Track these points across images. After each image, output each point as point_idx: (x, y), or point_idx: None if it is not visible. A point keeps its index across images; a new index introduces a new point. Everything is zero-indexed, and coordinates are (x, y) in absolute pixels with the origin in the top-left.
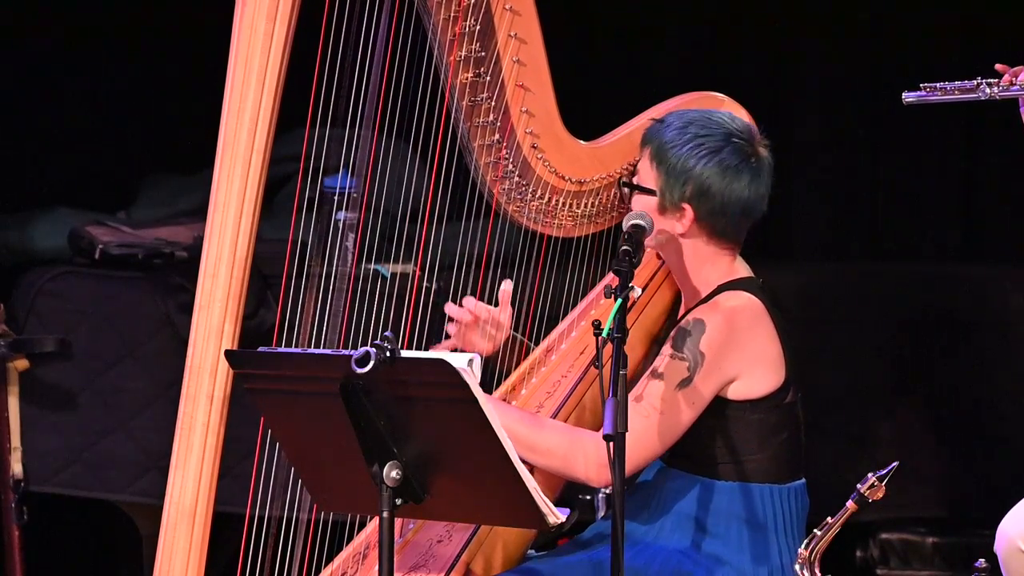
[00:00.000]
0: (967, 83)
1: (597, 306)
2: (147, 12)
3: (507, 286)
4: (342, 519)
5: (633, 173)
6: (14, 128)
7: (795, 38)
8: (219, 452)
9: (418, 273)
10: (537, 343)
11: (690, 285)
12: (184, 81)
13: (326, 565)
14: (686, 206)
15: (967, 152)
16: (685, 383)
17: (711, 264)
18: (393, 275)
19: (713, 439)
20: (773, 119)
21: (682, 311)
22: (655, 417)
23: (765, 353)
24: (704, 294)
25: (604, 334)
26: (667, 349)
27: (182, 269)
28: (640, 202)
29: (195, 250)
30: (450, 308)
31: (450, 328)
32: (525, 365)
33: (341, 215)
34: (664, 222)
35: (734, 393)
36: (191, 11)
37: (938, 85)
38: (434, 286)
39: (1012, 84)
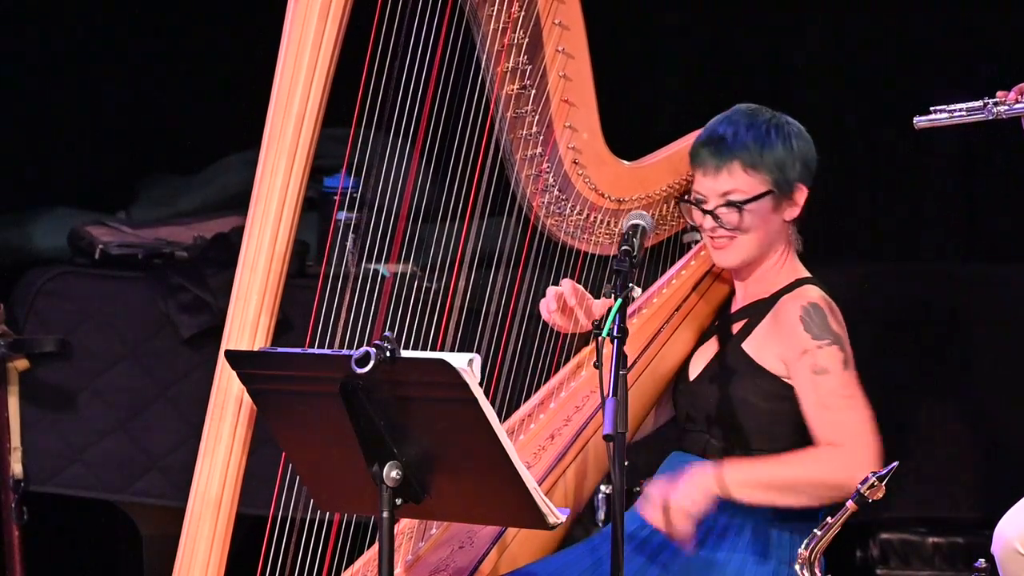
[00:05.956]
0: (975, 103)
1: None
2: (147, 11)
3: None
4: (364, 520)
5: (686, 193)
6: (14, 128)
7: (795, 38)
8: (247, 445)
9: (456, 275)
10: (568, 358)
11: (770, 279)
12: (185, 81)
13: (346, 568)
14: (799, 186)
15: (967, 152)
16: (848, 362)
17: (791, 253)
18: (405, 275)
19: (755, 422)
20: None
21: (740, 304)
22: (855, 403)
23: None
24: (777, 286)
25: (604, 334)
26: (807, 343)
27: (182, 269)
28: (758, 211)
29: (195, 250)
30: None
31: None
32: (554, 380)
33: (342, 215)
34: (776, 219)
35: None
36: (191, 11)
37: (947, 108)
38: (433, 285)
39: (1018, 101)
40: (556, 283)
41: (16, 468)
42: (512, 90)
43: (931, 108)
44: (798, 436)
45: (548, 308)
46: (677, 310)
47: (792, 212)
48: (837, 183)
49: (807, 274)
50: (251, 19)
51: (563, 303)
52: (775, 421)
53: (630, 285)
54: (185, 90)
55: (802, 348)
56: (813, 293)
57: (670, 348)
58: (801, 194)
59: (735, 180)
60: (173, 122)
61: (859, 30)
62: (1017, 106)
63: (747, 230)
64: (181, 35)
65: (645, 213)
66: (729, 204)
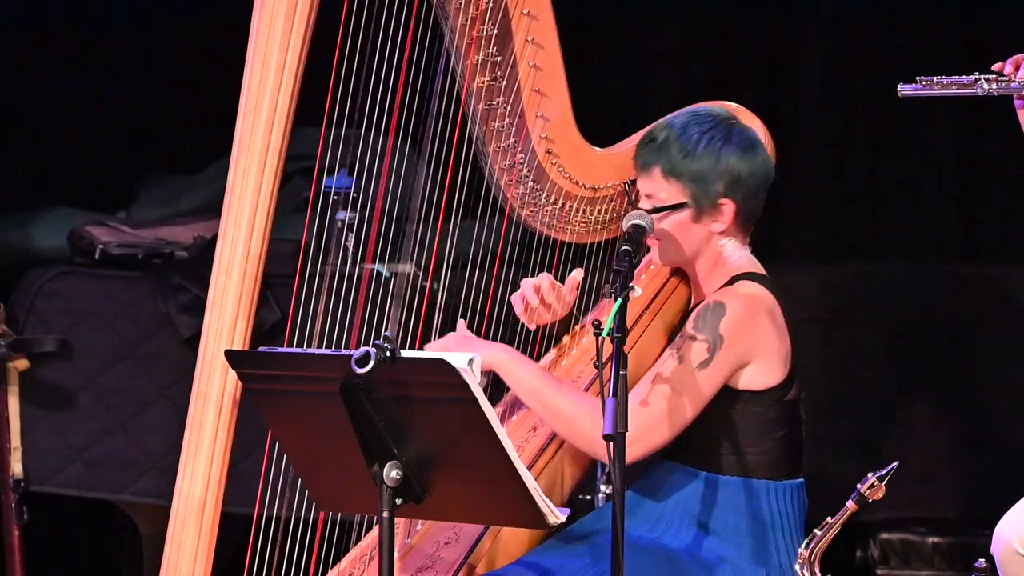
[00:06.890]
0: (965, 78)
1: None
2: (147, 11)
3: (577, 274)
4: (349, 519)
5: (635, 199)
6: (14, 128)
7: (794, 38)
8: (229, 449)
9: (431, 276)
10: (547, 348)
11: (710, 280)
12: (184, 81)
13: (333, 566)
14: (724, 201)
15: (967, 152)
16: (705, 364)
17: (733, 257)
18: (394, 275)
19: (713, 429)
20: (773, 119)
21: (692, 306)
22: (675, 398)
23: (775, 345)
24: (716, 287)
25: (604, 334)
26: (687, 330)
27: (182, 269)
28: (673, 220)
29: (195, 250)
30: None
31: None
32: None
33: (341, 215)
34: (699, 229)
35: (740, 382)
36: (190, 11)
37: (935, 79)
38: (432, 285)
39: (1011, 81)
40: (535, 276)
41: (16, 468)
42: (483, 82)
43: (918, 78)
44: (747, 439)
45: (528, 303)
46: (654, 299)
47: (719, 225)
48: (837, 182)
49: (752, 270)
50: (251, 18)
51: (541, 298)
52: (711, 425)
53: (631, 285)
54: (185, 90)
55: (683, 332)
56: (741, 290)
57: (646, 340)
58: (728, 208)
59: (655, 185)
60: (173, 122)
61: (859, 28)
62: (1012, 85)
63: (661, 237)
64: (181, 34)
65: (645, 213)
66: (653, 207)
